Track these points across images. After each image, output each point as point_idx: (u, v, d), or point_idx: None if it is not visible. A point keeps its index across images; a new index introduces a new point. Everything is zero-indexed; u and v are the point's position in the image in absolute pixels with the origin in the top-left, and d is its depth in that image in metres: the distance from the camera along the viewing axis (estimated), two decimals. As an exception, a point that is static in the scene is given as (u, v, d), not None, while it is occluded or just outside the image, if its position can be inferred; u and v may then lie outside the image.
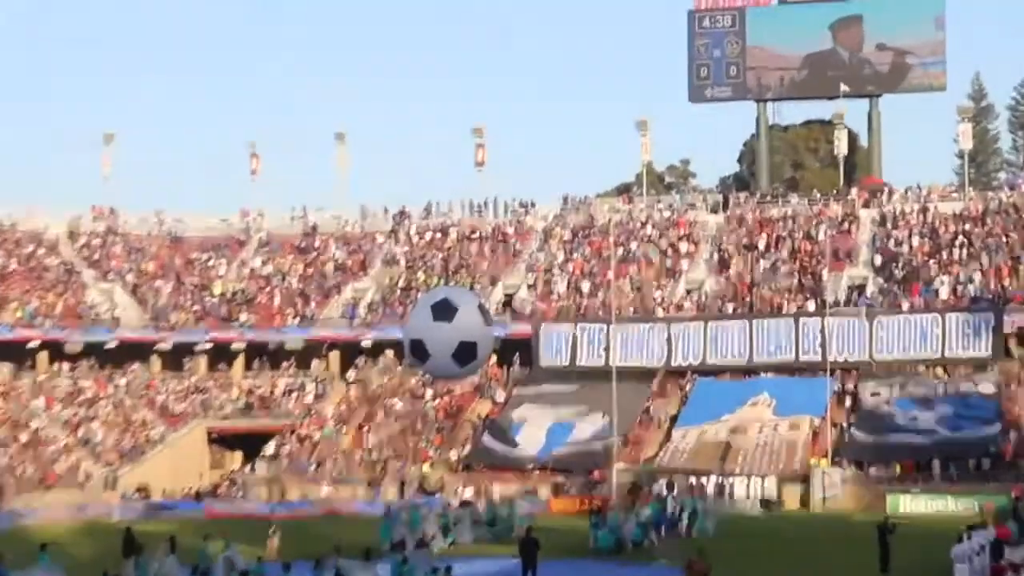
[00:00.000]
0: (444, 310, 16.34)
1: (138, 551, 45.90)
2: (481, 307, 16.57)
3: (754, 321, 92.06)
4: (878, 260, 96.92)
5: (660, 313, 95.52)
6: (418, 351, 16.28)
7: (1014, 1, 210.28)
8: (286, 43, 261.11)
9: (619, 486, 78.76)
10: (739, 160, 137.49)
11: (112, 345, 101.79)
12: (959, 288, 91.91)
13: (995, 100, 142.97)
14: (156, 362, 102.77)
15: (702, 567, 44.76)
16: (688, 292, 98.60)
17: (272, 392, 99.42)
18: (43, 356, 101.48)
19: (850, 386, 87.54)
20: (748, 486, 79.82)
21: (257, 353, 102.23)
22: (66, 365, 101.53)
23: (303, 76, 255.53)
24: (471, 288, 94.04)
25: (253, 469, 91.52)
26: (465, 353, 16.43)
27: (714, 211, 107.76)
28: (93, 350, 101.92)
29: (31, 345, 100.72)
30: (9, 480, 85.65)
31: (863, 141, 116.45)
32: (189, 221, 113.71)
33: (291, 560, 43.44)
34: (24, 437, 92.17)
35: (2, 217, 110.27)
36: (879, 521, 50.49)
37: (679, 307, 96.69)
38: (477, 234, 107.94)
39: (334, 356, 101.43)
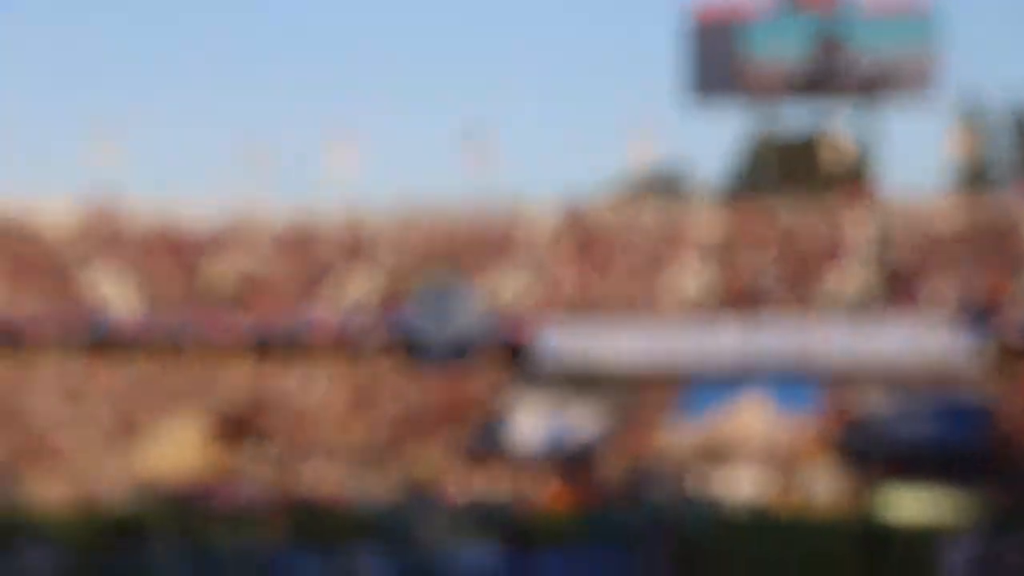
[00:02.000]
0: (441, 302, 18.20)
1: (137, 534, 46.91)
2: (478, 301, 18.51)
3: (751, 322, 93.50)
4: (872, 266, 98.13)
5: (656, 312, 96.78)
6: (418, 343, 18.15)
7: (1011, 14, 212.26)
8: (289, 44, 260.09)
9: (614, 483, 79.99)
10: (737, 164, 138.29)
11: (109, 334, 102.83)
12: (954, 296, 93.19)
13: (993, 107, 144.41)
14: (155, 351, 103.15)
15: (698, 560, 46.76)
16: (685, 292, 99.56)
17: (271, 382, 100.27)
18: (41, 344, 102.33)
19: (845, 388, 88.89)
20: (743, 484, 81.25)
21: (258, 343, 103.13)
22: (64, 353, 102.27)
23: (301, 74, 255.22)
24: (468, 283, 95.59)
25: (253, 458, 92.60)
26: (463, 345, 18.25)
27: (712, 213, 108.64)
28: (91, 339, 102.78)
29: (29, 332, 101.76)
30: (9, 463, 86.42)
31: (859, 147, 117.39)
32: (189, 210, 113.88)
33: (292, 546, 44.14)
34: (21, 422, 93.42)
35: (3, 211, 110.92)
36: (870, 518, 51.85)
37: (676, 307, 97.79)
38: (473, 229, 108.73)
39: (333, 347, 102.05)
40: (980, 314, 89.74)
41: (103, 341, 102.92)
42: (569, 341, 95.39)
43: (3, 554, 39.89)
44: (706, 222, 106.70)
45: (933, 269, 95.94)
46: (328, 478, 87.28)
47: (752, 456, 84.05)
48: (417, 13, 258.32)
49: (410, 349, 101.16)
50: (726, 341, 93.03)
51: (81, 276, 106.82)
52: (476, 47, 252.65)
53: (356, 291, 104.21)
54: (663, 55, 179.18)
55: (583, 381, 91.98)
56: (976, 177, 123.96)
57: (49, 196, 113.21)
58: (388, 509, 61.45)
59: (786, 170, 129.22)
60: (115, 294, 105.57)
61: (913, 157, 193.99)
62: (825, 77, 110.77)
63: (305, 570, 38.85)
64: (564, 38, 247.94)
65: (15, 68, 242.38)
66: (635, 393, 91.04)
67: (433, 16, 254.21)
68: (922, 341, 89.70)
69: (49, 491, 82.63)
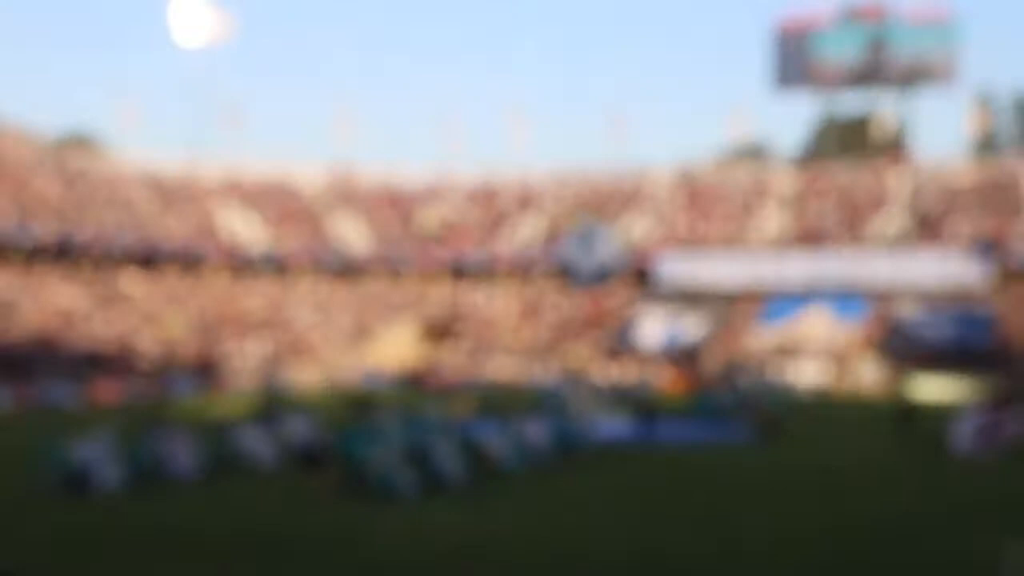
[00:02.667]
0: (588, 239, 18.42)
1: (369, 408, 47.06)
2: (614, 239, 18.70)
3: (814, 253, 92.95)
4: (908, 212, 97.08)
5: (746, 247, 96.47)
6: (569, 268, 18.41)
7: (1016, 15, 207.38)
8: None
9: (713, 371, 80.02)
10: (805, 136, 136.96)
11: (350, 263, 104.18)
12: (969, 234, 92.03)
13: (1000, 95, 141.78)
14: (381, 275, 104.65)
15: (774, 427, 46.54)
16: (767, 231, 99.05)
17: (465, 298, 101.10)
18: (300, 270, 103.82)
19: (886, 302, 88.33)
20: (807, 373, 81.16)
21: (454, 270, 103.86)
22: (316, 277, 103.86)
23: (487, 57, 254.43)
24: (609, 226, 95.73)
25: (451, 352, 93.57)
26: (604, 271, 18.48)
27: (787, 173, 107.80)
28: (335, 266, 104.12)
29: (292, 262, 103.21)
30: (278, 357, 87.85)
31: (900, 123, 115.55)
32: (406, 174, 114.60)
33: (478, 417, 43.91)
34: (287, 327, 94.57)
35: (270, 173, 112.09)
36: (904, 400, 51.39)
37: (761, 243, 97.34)
38: (613, 186, 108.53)
39: (509, 272, 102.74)
40: (988, 247, 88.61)
41: (343, 268, 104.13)
42: (681, 268, 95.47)
43: (271, 421, 40.26)
44: (783, 180, 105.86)
45: (953, 214, 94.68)
46: (505, 368, 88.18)
47: (814, 353, 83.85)
48: (572, 19, 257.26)
49: (565, 274, 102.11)
50: (796, 268, 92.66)
51: (327, 221, 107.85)
52: (615, 42, 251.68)
53: (526, 232, 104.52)
54: (755, 53, 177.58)
55: (691, 298, 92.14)
56: (986, 146, 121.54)
57: (303, 162, 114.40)
58: (549, 390, 61.35)
59: (844, 142, 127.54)
60: (352, 234, 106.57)
61: (940, 131, 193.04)
62: (873, 71, 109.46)
63: (488, 434, 38.71)
64: (679, 37, 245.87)
65: (272, 62, 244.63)
66: (729, 306, 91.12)
67: (579, 21, 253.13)
68: (944, 268, 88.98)
69: (305, 376, 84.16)
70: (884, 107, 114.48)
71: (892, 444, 43.71)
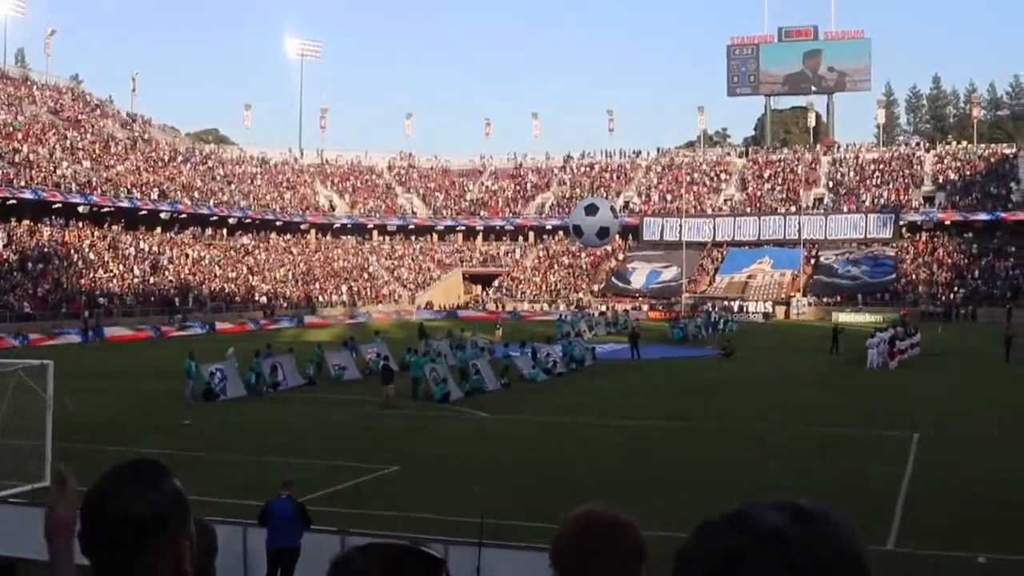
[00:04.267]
0: (592, 209, 18.36)
1: (426, 335, 47.30)
2: (612, 208, 18.65)
3: (761, 217, 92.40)
4: (831, 184, 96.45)
5: (709, 212, 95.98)
6: (578, 232, 18.39)
7: (919, 32, 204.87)
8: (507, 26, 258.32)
9: (685, 306, 79.96)
10: (754, 128, 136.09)
11: (411, 227, 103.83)
12: (875, 199, 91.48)
13: (898, 96, 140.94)
14: (435, 236, 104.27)
15: (731, 348, 46.69)
16: (725, 201, 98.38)
17: (498, 253, 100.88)
18: (375, 233, 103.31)
19: (814, 253, 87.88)
20: (756, 306, 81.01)
21: (490, 232, 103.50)
22: (387, 238, 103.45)
23: (518, 76, 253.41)
24: (606, 197, 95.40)
25: (487, 294, 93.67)
26: (603, 233, 18.43)
27: (740, 156, 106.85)
28: (401, 229, 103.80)
29: (369, 226, 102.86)
30: (359, 297, 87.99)
31: (824, 119, 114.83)
32: (453, 160, 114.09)
33: (508, 342, 44.34)
34: (365, 275, 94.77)
35: (353, 157, 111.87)
36: (834, 325, 51.40)
37: (720, 209, 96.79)
38: (609, 167, 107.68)
39: (531, 234, 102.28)
40: (891, 210, 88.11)
41: (407, 230, 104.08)
42: (660, 228, 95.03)
43: (355, 346, 40.73)
44: (737, 163, 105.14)
45: (865, 186, 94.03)
46: (528, 305, 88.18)
47: (762, 290, 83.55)
48: (573, 21, 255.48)
49: (573, 235, 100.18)
50: (748, 227, 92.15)
51: (396, 194, 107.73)
52: (605, 45, 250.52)
53: (545, 203, 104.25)
54: (713, 69, 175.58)
55: (668, 248, 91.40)
56: (889, 135, 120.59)
57: (378, 149, 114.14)
58: (562, 321, 61.47)
59: (784, 132, 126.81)
60: (414, 205, 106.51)
61: (856, 123, 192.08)
62: (806, 80, 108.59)
63: (516, 354, 39.15)
64: (661, 61, 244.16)
65: (349, 74, 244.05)
66: (697, 255, 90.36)
67: (575, 21, 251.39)
68: (858, 225, 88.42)
69: (380, 312, 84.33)
70: (813, 106, 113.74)
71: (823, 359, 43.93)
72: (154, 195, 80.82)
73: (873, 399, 30.98)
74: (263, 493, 13.77)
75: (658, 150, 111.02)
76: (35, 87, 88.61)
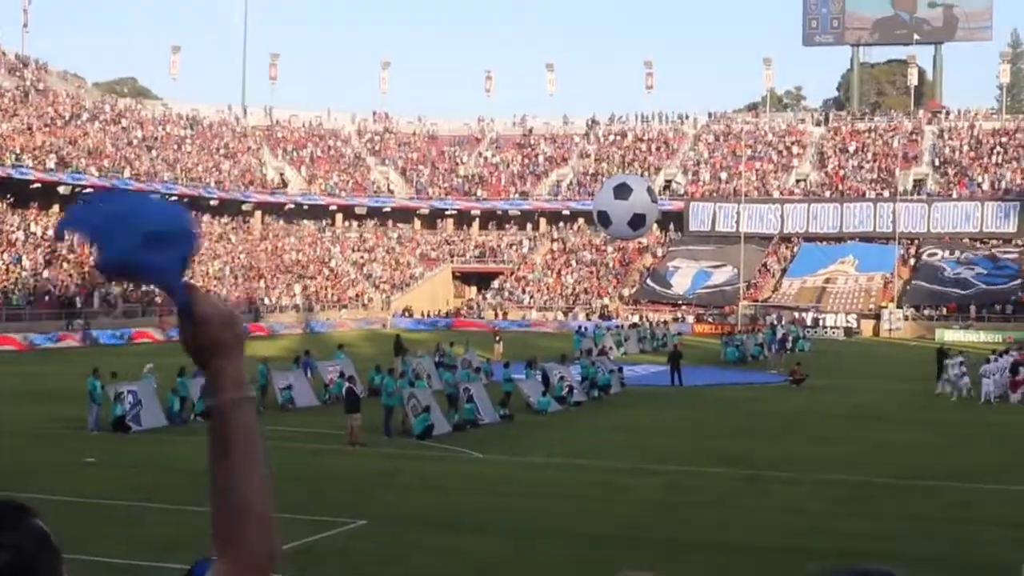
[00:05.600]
0: (623, 191, 18.33)
1: (404, 351, 47.24)
2: (649, 189, 18.60)
3: (844, 204, 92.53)
4: (937, 162, 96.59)
5: (776, 196, 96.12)
6: (604, 219, 18.35)
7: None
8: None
9: (743, 317, 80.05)
10: (837, 88, 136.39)
11: (387, 209, 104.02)
12: (995, 183, 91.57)
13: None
14: (417, 222, 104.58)
15: (801, 373, 46.61)
16: (797, 181, 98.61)
17: (499, 245, 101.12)
18: (339, 216, 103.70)
19: (912, 251, 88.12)
20: (836, 319, 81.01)
21: (488, 217, 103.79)
22: (355, 223, 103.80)
23: (527, 17, 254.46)
24: (642, 175, 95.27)
25: (484, 298, 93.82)
26: (637, 221, 18.43)
27: (817, 124, 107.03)
28: (374, 212, 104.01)
29: (331, 208, 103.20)
30: (317, 301, 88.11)
31: (929, 76, 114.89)
32: (442, 124, 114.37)
33: (510, 361, 44.45)
34: (326, 272, 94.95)
35: (312, 118, 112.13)
36: (938, 347, 51.08)
37: (791, 192, 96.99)
38: (646, 136, 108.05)
39: (543, 221, 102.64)
40: (1015, 197, 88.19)
41: (381, 214, 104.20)
42: (711, 215, 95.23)
43: (311, 364, 40.75)
44: (814, 132, 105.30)
45: (981, 165, 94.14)
46: (538, 312, 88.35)
47: (843, 298, 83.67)
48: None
49: (599, 220, 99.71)
50: (826, 216, 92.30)
51: (368, 166, 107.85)
52: (650, 2, 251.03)
53: (560, 178, 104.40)
54: (785, 10, 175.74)
55: (720, 243, 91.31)
56: (1016, 99, 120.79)
57: (345, 108, 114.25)
58: (580, 333, 61.27)
59: (876, 94, 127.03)
60: (390, 181, 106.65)
61: (972, 83, 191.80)
62: (902, 26, 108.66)
63: (520, 376, 39.06)
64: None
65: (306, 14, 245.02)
66: (759, 252, 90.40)
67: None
68: (971, 216, 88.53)
69: (346, 316, 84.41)
70: (916, 59, 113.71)
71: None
72: (51, 163, 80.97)
73: (988, 442, 30.91)
74: (188, 552, 13.70)
75: (710, 115, 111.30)
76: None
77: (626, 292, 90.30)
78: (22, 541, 2.27)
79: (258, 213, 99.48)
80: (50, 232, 76.53)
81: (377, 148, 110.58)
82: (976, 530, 20.26)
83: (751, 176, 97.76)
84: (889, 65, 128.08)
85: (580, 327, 69.83)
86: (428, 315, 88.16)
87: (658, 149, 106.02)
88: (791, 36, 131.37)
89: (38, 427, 31.77)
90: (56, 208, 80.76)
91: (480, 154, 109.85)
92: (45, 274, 72.36)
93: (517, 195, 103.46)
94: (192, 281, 2.56)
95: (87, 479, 24.24)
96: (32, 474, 24.29)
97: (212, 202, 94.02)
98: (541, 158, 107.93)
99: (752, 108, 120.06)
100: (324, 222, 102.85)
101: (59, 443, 29.17)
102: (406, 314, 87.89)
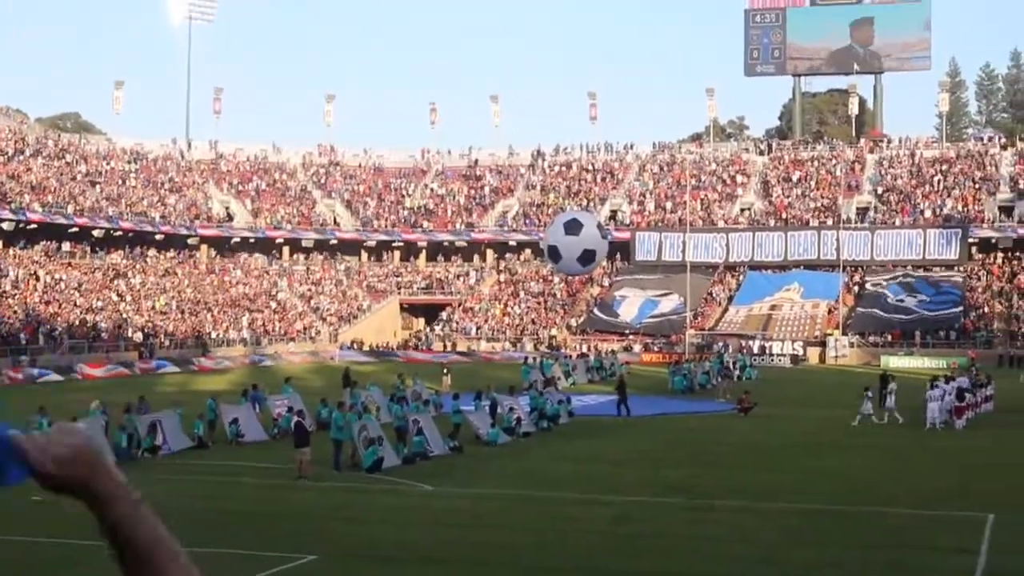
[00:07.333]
0: (574, 226, 18.52)
1: (352, 384, 47.20)
2: (600, 225, 18.75)
3: (788, 232, 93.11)
4: (879, 190, 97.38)
5: (721, 225, 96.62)
6: (554, 255, 18.57)
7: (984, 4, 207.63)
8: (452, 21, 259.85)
9: (690, 346, 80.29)
10: (779, 118, 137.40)
11: (333, 242, 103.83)
12: (936, 210, 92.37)
13: (966, 77, 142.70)
14: (364, 255, 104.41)
15: (749, 401, 46.79)
16: (742, 210, 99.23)
17: (446, 276, 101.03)
18: (286, 249, 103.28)
19: (856, 279, 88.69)
20: (782, 347, 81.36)
21: (436, 249, 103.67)
22: (301, 255, 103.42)
23: (470, 50, 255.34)
24: (586, 207, 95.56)
25: (432, 330, 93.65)
26: (587, 257, 18.63)
27: (761, 153, 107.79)
28: (321, 245, 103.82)
29: (278, 241, 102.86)
30: (264, 334, 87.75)
31: (870, 106, 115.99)
32: (387, 156, 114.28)
33: (459, 392, 44.48)
34: (273, 304, 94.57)
35: (257, 151, 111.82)
36: (882, 372, 51.50)
37: (735, 221, 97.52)
38: (591, 167, 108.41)
39: (489, 252, 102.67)
40: (956, 224, 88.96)
41: (328, 246, 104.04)
42: (657, 246, 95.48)
43: (259, 397, 40.70)
44: (757, 162, 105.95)
45: (922, 193, 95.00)
46: (485, 343, 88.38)
47: (789, 326, 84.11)
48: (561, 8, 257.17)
49: (549, 259, 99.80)
50: (771, 245, 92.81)
51: (313, 199, 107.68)
52: (593, 33, 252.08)
53: (507, 212, 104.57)
54: (726, 42, 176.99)
55: (666, 272, 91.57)
56: (955, 127, 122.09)
57: (291, 141, 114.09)
58: (529, 365, 61.19)
59: (818, 123, 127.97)
60: (336, 213, 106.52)
61: (912, 112, 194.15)
62: (850, 57, 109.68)
63: (469, 408, 39.09)
64: (659, 29, 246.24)
65: (250, 48, 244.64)
66: (704, 281, 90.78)
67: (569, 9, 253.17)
68: (913, 244, 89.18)
69: (293, 349, 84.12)
70: (857, 88, 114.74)
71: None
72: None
73: (933, 468, 31.17)
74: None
75: (655, 145, 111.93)
76: None
77: (574, 322, 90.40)
78: None
79: (204, 247, 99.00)
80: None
81: (323, 181, 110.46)
82: (918, 556, 20.41)
83: (696, 205, 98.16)
84: (830, 95, 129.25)
85: (527, 358, 69.82)
86: (378, 347, 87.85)
87: (603, 179, 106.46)
88: (733, 66, 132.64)
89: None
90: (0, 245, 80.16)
91: (426, 186, 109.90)
92: (-11, 311, 71.75)
93: (463, 226, 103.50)
94: (14, 439, 2.40)
95: (36, 519, 23.97)
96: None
97: (158, 236, 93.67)
98: (487, 189, 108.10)
99: (696, 138, 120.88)
100: (271, 255, 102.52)
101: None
102: (354, 346, 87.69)
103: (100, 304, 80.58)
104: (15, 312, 72.97)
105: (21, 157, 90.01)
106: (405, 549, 21.15)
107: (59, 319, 75.18)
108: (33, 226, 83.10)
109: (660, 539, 22.15)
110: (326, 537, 22.05)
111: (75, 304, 78.74)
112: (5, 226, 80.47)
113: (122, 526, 2.44)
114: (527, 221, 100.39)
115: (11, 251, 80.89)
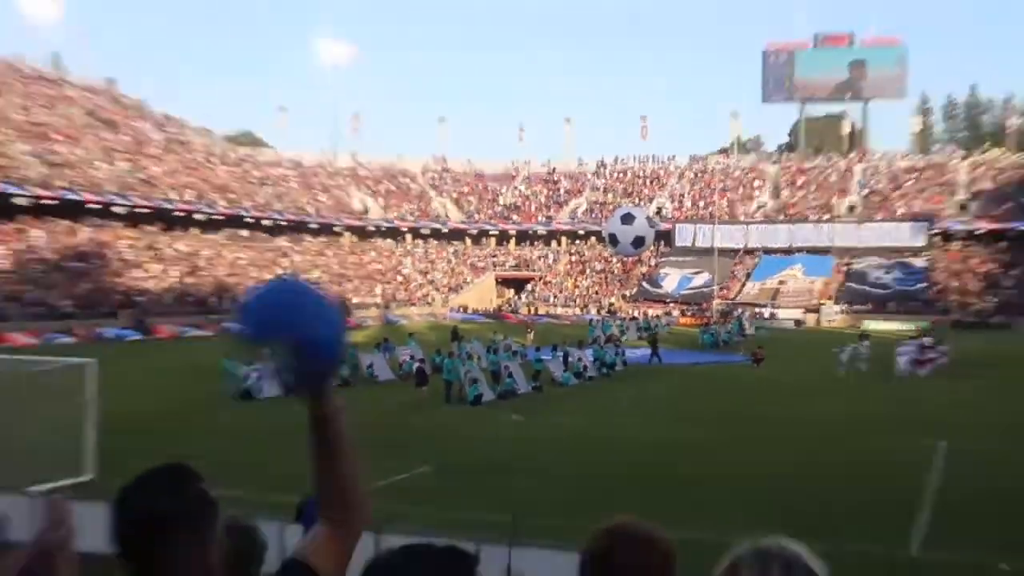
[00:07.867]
0: (628, 218, 18.58)
1: (459, 338, 47.02)
2: (648, 217, 18.86)
3: (793, 224, 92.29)
4: (864, 192, 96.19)
5: (742, 219, 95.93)
6: (613, 240, 18.68)
7: (955, 41, 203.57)
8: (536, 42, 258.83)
9: (716, 311, 79.92)
10: (788, 135, 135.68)
11: (445, 231, 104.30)
12: (908, 208, 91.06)
13: (933, 104, 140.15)
14: (468, 240, 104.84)
15: (761, 353, 46.59)
16: (758, 208, 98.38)
17: (530, 257, 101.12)
18: (409, 236, 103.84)
19: (845, 261, 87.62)
20: (787, 313, 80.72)
21: (522, 236, 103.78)
22: (421, 241, 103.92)
23: (550, 82, 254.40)
24: (638, 204, 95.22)
25: (519, 298, 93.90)
26: (639, 242, 18.70)
27: (774, 163, 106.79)
28: (435, 233, 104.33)
29: (403, 230, 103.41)
30: (392, 300, 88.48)
31: (859, 126, 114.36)
32: (486, 164, 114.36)
33: (539, 345, 44.66)
34: (399, 278, 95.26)
35: (387, 161, 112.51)
36: (859, 332, 51.13)
37: (753, 216, 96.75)
38: (642, 174, 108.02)
39: (564, 239, 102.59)
40: (924, 219, 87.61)
41: (441, 234, 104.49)
42: (692, 234, 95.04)
43: (388, 348, 41.19)
44: (770, 170, 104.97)
45: (899, 195, 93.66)
46: (561, 309, 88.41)
47: (792, 297, 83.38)
48: (597, 24, 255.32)
49: (610, 244, 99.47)
50: (780, 234, 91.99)
51: (430, 198, 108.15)
52: (639, 49, 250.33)
53: (577, 206, 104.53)
54: (748, 75, 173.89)
55: (699, 255, 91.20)
56: (925, 143, 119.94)
57: (412, 153, 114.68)
58: (593, 325, 61.38)
59: (818, 140, 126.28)
60: (447, 209, 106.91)
61: (892, 132, 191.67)
62: (844, 88, 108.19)
63: (548, 358, 39.40)
64: (695, 66, 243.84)
65: (383, 78, 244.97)
66: (728, 262, 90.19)
67: (612, 29, 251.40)
68: (891, 233, 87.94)
69: (415, 312, 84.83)
70: (849, 113, 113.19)
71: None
72: (190, 195, 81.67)
73: (901, 406, 31.00)
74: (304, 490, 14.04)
75: (691, 156, 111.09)
76: (70, 88, 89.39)
77: (627, 293, 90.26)
78: (184, 498, 2.40)
79: (347, 234, 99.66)
80: (186, 248, 77.19)
81: (437, 184, 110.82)
82: (890, 472, 20.38)
83: (723, 204, 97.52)
84: (828, 119, 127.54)
85: (592, 319, 69.87)
86: (482, 311, 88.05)
87: (651, 183, 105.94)
88: (753, 95, 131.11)
89: (195, 396, 32.21)
90: (196, 231, 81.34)
91: (515, 188, 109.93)
92: (188, 281, 73.00)
93: (544, 219, 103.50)
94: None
95: (225, 435, 24.59)
96: (195, 433, 24.74)
97: (312, 226, 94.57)
98: (562, 190, 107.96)
99: (723, 151, 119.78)
100: (397, 240, 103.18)
101: (211, 407, 29.55)
102: (460, 310, 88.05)
103: (269, 276, 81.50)
104: (209, 282, 74.24)
105: (210, 165, 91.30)
106: (499, 462, 21.46)
107: (240, 288, 76.28)
108: (220, 217, 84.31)
109: (698, 454, 22.24)
110: (438, 453, 22.43)
111: (251, 276, 79.89)
112: (199, 217, 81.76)
113: (333, 420, 2.71)
114: (592, 215, 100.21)
115: (204, 237, 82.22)
